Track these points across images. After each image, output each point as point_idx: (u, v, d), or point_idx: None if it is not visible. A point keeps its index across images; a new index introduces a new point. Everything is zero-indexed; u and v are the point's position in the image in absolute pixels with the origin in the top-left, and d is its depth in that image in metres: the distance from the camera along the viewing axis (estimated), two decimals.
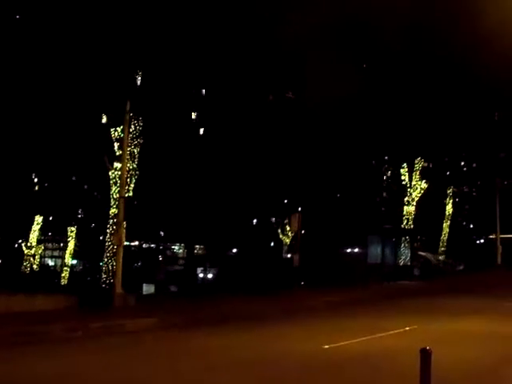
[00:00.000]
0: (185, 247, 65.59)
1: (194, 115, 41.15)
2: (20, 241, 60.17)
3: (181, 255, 70.14)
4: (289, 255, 56.03)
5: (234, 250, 64.24)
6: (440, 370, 9.93)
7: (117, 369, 15.12)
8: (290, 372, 14.84)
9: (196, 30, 32.28)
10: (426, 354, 9.04)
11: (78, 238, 63.40)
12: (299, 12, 33.61)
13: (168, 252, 71.58)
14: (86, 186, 55.25)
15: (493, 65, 43.61)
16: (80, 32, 30.26)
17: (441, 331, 20.73)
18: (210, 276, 62.02)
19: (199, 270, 61.65)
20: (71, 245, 62.91)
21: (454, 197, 67.14)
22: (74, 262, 66.05)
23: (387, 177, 59.61)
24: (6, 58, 32.28)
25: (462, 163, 65.27)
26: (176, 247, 72.23)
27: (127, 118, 29.79)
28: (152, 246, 68.84)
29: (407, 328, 21.38)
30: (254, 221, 63.57)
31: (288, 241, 63.90)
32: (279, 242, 65.80)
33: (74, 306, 26.53)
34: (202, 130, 43.46)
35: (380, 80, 43.75)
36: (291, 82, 41.34)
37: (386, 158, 55.36)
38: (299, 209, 50.36)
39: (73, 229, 62.51)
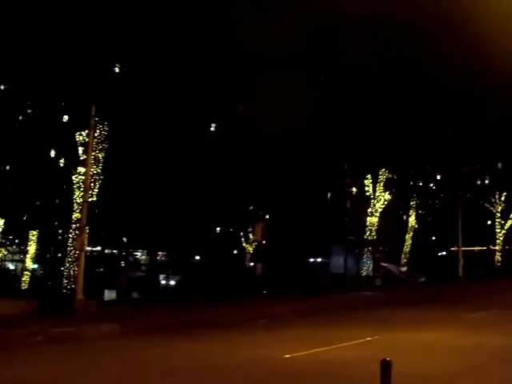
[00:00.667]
0: (147, 253, 65.22)
1: (159, 120, 40.97)
2: None
3: (143, 261, 69.70)
4: (252, 263, 55.99)
5: (197, 258, 64.01)
6: (401, 380, 9.93)
7: (76, 375, 14.97)
8: (251, 381, 14.79)
9: (165, 35, 32.24)
10: (386, 365, 9.03)
11: (39, 242, 62.76)
12: (258, 22, 33.70)
13: (130, 258, 71.08)
14: (49, 190, 54.68)
15: (458, 78, 44.09)
16: (47, 34, 30.02)
17: (402, 342, 20.80)
18: (172, 283, 61.71)
19: (162, 276, 61.29)
20: (32, 249, 62.24)
21: (417, 209, 67.68)
22: (35, 266, 65.34)
23: (351, 187, 59.92)
24: None
25: (426, 176, 65.78)
26: (138, 253, 71.76)
27: (92, 122, 29.64)
28: (114, 251, 68.33)
29: (369, 338, 21.43)
30: (218, 228, 63.41)
31: (251, 249, 63.84)
32: (242, 250, 65.67)
33: (34, 311, 26.28)
34: (167, 136, 43.25)
35: (346, 91, 43.95)
36: (257, 91, 41.39)
37: (351, 168, 55.60)
38: (263, 217, 50.39)
39: (34, 232, 61.85)
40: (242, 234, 64.77)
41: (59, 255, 54.87)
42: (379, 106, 46.21)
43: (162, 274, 61.01)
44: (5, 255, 68.08)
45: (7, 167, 52.81)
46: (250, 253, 65.17)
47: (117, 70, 32.34)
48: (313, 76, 38.97)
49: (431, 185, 68.19)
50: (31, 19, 30.18)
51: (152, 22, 31.77)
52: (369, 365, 13.84)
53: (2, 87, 35.31)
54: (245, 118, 44.56)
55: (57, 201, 53.50)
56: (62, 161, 34.52)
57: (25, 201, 56.43)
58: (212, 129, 45.95)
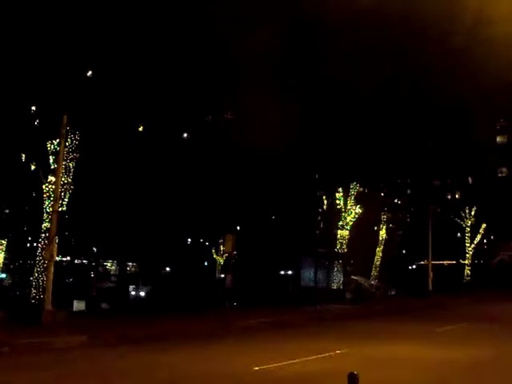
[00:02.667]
0: (117, 264, 64.94)
1: (131, 131, 40.88)
2: None
3: (113, 272, 69.38)
4: (222, 275, 55.91)
5: (168, 269, 63.84)
6: None
7: None
8: None
9: (138, 44, 32.13)
10: (353, 378, 9.05)
11: (8, 251, 62.27)
12: (245, 32, 33.73)
13: (100, 268, 70.71)
14: (18, 199, 54.33)
15: (429, 94, 44.41)
16: (19, 40, 29.83)
17: (371, 355, 20.85)
18: (142, 294, 61.39)
19: (131, 287, 61.00)
20: (0, 258, 61.74)
21: (387, 222, 68.00)
22: (4, 275, 64.80)
23: (322, 200, 60.09)
24: None
25: (397, 190, 66.14)
26: (108, 264, 71.44)
27: (64, 131, 29.46)
28: (84, 261, 67.97)
29: (337, 351, 21.46)
30: (189, 240, 63.32)
31: (222, 261, 63.83)
32: (213, 262, 65.61)
33: (1, 321, 26.01)
34: (139, 147, 43.17)
35: (318, 105, 44.11)
36: (230, 102, 41.44)
37: (322, 181, 55.75)
38: (233, 229, 50.35)
39: (3, 242, 61.36)
40: (213, 245, 64.70)
41: (28, 265, 54.46)
42: (351, 119, 46.41)
43: (131, 284, 60.71)
44: None
45: None
46: (220, 264, 65.19)
47: (89, 78, 32.13)
48: (290, 88, 39.10)
49: (402, 199, 68.54)
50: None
51: (128, 28, 31.63)
52: (336, 378, 13.86)
53: None
54: (215, 129, 44.58)
55: (26, 210, 53.09)
56: (32, 168, 34.23)
57: None
58: (184, 139, 45.91)
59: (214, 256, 67.25)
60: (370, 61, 40.01)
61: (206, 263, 65.63)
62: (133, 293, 61.01)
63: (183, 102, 38.71)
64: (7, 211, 57.30)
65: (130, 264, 63.03)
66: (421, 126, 52.64)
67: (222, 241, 57.05)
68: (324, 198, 59.35)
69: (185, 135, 44.56)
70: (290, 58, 38.48)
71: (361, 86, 41.96)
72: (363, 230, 58.48)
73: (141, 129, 38.82)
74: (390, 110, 47.18)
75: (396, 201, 67.16)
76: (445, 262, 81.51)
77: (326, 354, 20.75)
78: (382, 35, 37.38)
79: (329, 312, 40.55)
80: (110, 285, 63.58)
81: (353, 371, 9.10)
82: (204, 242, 64.18)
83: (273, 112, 37.16)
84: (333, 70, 38.94)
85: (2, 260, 61.74)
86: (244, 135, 40.35)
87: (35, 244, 34.44)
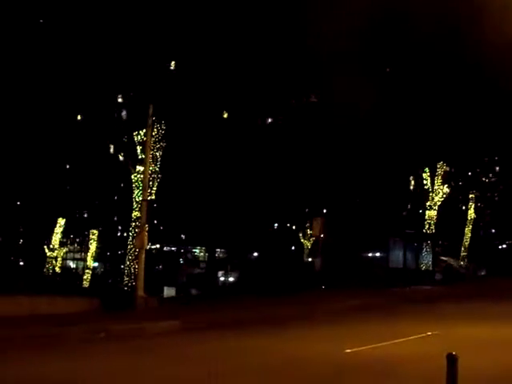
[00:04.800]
0: (206, 250, 65.75)
1: (215, 118, 41.20)
2: (43, 243, 60.54)
3: (202, 258, 70.28)
4: (310, 259, 55.98)
5: (256, 254, 64.28)
6: (466, 376, 9.76)
7: (139, 371, 15.11)
8: (320, 374, 14.77)
9: (220, 30, 32.32)
10: (452, 360, 8.91)
11: (99, 240, 63.70)
12: (325, 14, 33.54)
13: (189, 255, 71.73)
14: (108, 189, 55.50)
15: None
16: (106, 34, 30.42)
17: (464, 336, 20.53)
18: (231, 279, 62.07)
19: (220, 273, 61.71)
20: (93, 247, 63.22)
21: (475, 201, 66.85)
22: (96, 264, 66.32)
23: (409, 181, 59.45)
24: (33, 56, 32.53)
25: (484, 168, 64.89)
26: (197, 250, 72.35)
27: (150, 121, 29.93)
28: (173, 249, 69.07)
29: (429, 333, 21.26)
30: (275, 224, 63.58)
31: (309, 245, 63.81)
32: (300, 246, 65.69)
33: (96, 309, 26.63)
34: (224, 134, 43.50)
35: (403, 84, 43.61)
36: (314, 85, 41.27)
37: (408, 162, 55.15)
38: (320, 213, 50.28)
39: (95, 231, 62.81)
40: (299, 229, 64.77)
41: (119, 253, 55.61)
42: (438, 98, 45.73)
43: (220, 270, 61.42)
44: (66, 254, 69.25)
45: (67, 167, 53.68)
46: (308, 248, 65.20)
47: (173, 68, 32.57)
48: (373, 68, 38.74)
49: (490, 177, 67.23)
50: (89, 20, 30.60)
51: (212, 17, 31.87)
52: (432, 359, 13.78)
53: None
54: (300, 113, 44.50)
55: (116, 200, 54.20)
56: (120, 159, 34.91)
57: (85, 200, 57.37)
58: (269, 123, 46.04)
59: (301, 240, 67.31)
60: (456, 37, 39.34)
61: (293, 247, 65.78)
62: (222, 278, 61.77)
63: (267, 86, 38.75)
64: (98, 202, 58.57)
65: (219, 250, 63.69)
66: (509, 102, 51.42)
67: (308, 224, 57.00)
68: (411, 178, 58.71)
69: (269, 120, 44.58)
70: (372, 39, 38.10)
71: (444, 64, 41.30)
72: (451, 209, 57.67)
73: (225, 116, 39.09)
74: (475, 87, 46.27)
75: (484, 179, 65.87)
76: None
77: (418, 336, 20.61)
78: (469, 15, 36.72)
79: (418, 293, 40.20)
80: (199, 271, 64.50)
81: (450, 352, 8.99)
82: (291, 227, 64.31)
83: (357, 94, 36.83)
84: (419, 47, 38.43)
85: (95, 249, 63.25)
86: (330, 118, 40.19)
87: (126, 233, 35.14)
